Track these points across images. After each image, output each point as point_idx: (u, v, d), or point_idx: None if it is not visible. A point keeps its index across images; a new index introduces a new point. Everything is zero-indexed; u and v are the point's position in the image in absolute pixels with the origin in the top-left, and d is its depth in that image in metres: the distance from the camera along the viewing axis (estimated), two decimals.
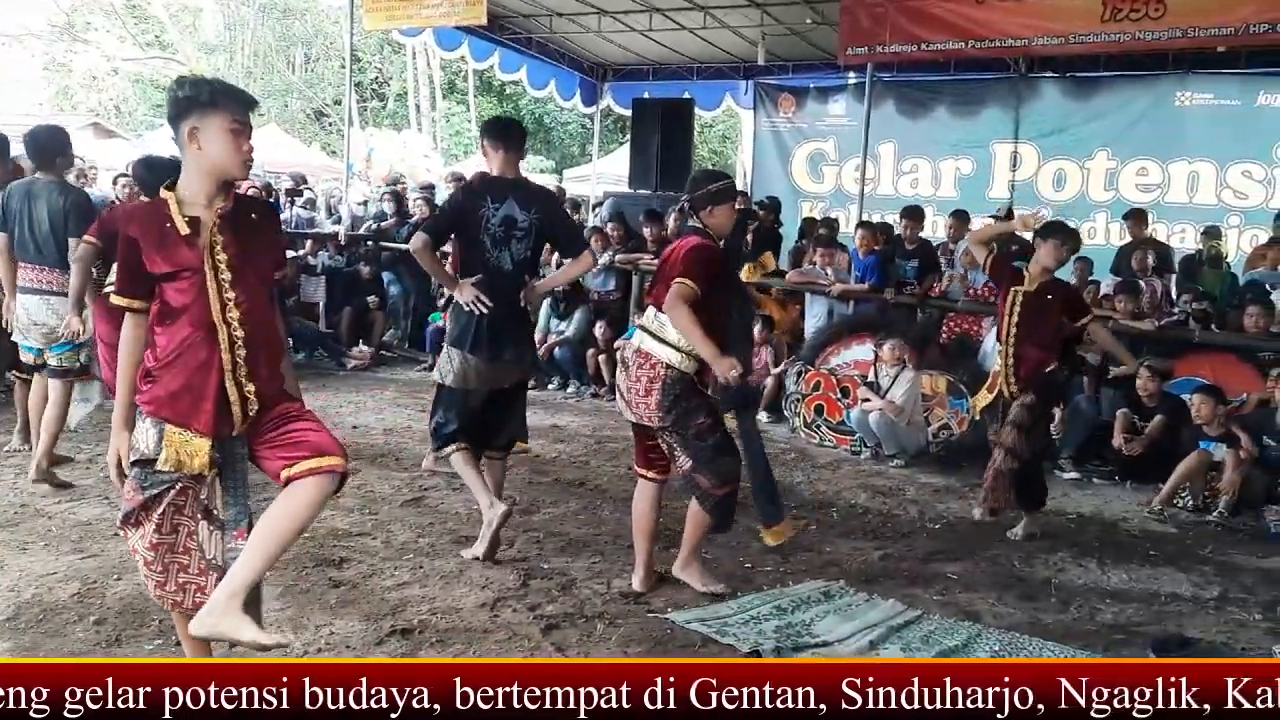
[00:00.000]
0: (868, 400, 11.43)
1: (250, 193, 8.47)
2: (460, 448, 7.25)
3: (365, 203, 20.05)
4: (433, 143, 40.34)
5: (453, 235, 7.22)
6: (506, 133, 7.20)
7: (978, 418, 9.27)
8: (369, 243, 16.69)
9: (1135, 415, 10.80)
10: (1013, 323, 8.40)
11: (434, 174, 28.93)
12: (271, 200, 16.80)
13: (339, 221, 17.84)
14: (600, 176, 27.61)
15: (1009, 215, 13.79)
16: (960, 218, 14.76)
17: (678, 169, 19.22)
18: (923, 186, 20.28)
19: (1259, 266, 13.76)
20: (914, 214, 13.86)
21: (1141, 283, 12.66)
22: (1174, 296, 12.98)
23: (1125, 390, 11.03)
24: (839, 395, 12.13)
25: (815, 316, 13.46)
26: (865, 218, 16.40)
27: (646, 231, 14.54)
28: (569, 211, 9.88)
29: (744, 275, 9.10)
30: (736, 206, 6.63)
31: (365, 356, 15.33)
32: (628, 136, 26.26)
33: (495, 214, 7.05)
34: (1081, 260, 13.54)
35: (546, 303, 13.70)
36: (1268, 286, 12.59)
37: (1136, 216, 14.88)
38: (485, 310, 7.03)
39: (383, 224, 17.00)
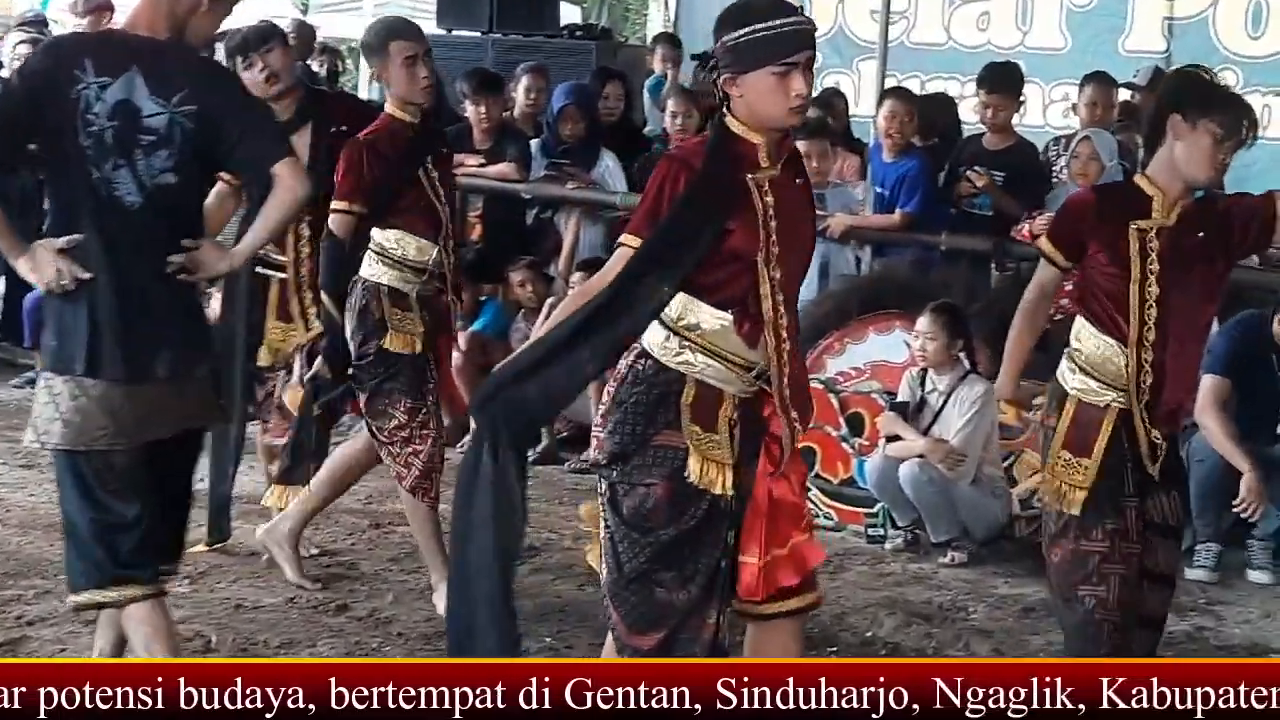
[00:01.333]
0: (898, 439, 7.00)
1: None
2: (134, 595, 4.07)
3: None
4: None
5: (30, 144, 4.15)
6: None
7: (1041, 505, 4.72)
8: None
9: None
10: (1146, 299, 4.35)
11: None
12: None
13: None
14: (383, 6, 17.41)
15: (1151, 84, 9.14)
16: (1101, 85, 8.62)
17: None
18: (1000, 29, 11.64)
19: None
20: (1001, 81, 8.16)
21: None
22: None
23: None
24: (842, 431, 7.49)
25: None
26: (893, 83, 9.49)
27: (473, 112, 9.04)
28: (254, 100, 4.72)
29: None
30: (794, 75, 3.70)
31: None
32: None
33: (99, 99, 3.96)
34: None
35: None
36: None
37: None
38: (78, 285, 3.98)
39: None
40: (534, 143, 9.22)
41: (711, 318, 3.79)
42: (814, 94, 9.76)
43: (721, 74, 3.75)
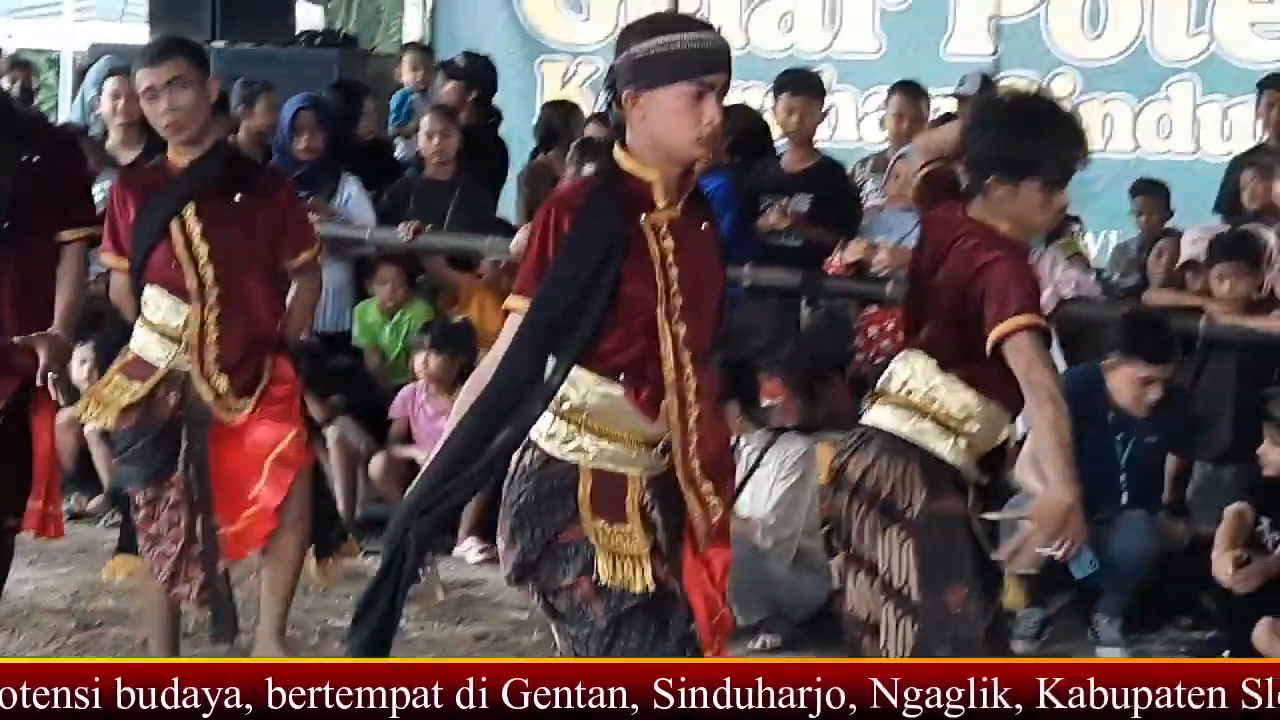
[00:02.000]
0: None
1: None
2: None
3: None
4: None
5: None
6: None
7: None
8: None
9: (1263, 515, 6.22)
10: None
11: None
12: None
13: None
14: (86, 11, 15.27)
15: (983, 90, 8.35)
16: (909, 95, 8.10)
17: None
18: (805, 31, 10.77)
19: None
20: (800, 85, 7.68)
21: (1270, 237, 7.22)
22: None
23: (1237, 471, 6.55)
24: None
25: None
26: None
27: None
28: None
29: None
30: (708, 98, 3.36)
31: None
32: None
33: None
34: (1148, 192, 8.47)
35: None
36: None
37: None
38: None
39: None
40: None
41: (596, 393, 3.45)
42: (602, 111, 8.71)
43: (623, 89, 3.40)
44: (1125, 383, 6.14)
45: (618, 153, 3.46)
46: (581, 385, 3.42)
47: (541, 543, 3.49)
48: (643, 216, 3.41)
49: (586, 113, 8.97)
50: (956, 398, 3.89)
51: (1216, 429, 6.30)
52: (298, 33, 10.63)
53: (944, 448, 3.88)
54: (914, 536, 3.87)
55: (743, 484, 6.08)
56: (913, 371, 3.93)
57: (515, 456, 3.48)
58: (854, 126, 10.24)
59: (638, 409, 3.45)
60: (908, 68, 9.04)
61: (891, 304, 6.74)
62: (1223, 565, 5.88)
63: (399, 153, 9.38)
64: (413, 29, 11.77)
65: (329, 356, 7.90)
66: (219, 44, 9.89)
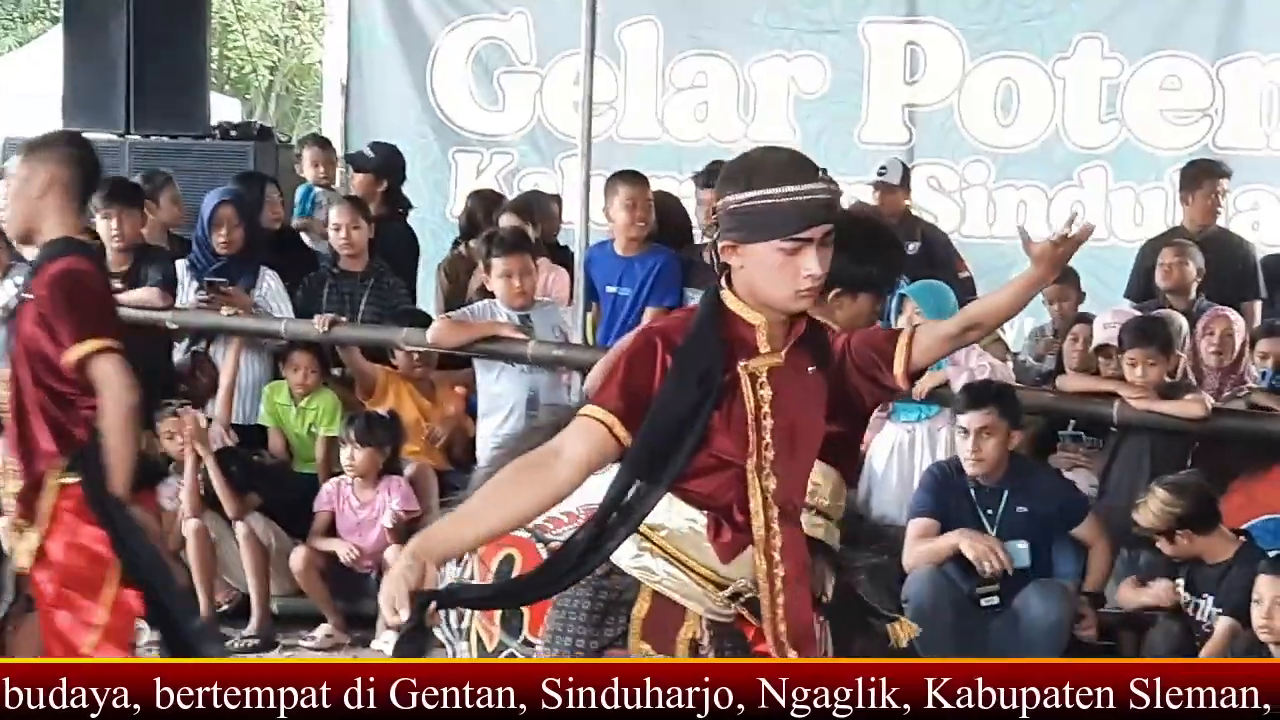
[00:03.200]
0: None
1: None
2: None
3: None
4: None
5: None
6: None
7: None
8: None
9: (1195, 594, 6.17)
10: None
11: None
12: None
13: None
14: None
15: (903, 181, 9.07)
16: None
17: (181, 82, 10.18)
18: (719, 120, 10.76)
19: None
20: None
21: (1181, 321, 7.33)
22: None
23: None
24: None
25: (499, 408, 7.27)
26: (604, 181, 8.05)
27: (104, 228, 7.71)
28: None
29: None
30: (807, 251, 3.24)
31: None
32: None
33: None
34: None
35: None
36: None
37: (1198, 175, 8.59)
38: None
39: None
40: (180, 263, 8.14)
41: (681, 516, 3.33)
42: (513, 196, 9.15)
43: (721, 239, 3.29)
44: (959, 441, 6.34)
45: (724, 292, 3.30)
46: (666, 505, 3.30)
47: (581, 653, 3.42)
48: (741, 363, 3.28)
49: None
50: (831, 489, 4.01)
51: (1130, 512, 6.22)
52: (213, 125, 10.50)
53: (830, 537, 4.00)
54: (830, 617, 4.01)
55: None
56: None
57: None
58: None
59: (715, 547, 3.32)
60: (822, 155, 8.38)
61: None
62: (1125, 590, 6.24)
63: (310, 243, 9.28)
64: (332, 120, 11.59)
65: (248, 450, 7.81)
66: (135, 136, 9.88)
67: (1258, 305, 8.24)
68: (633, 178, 7.72)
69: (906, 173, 8.91)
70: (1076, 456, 7.08)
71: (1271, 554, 5.89)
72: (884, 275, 4.29)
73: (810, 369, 3.36)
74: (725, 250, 3.25)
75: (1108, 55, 10.13)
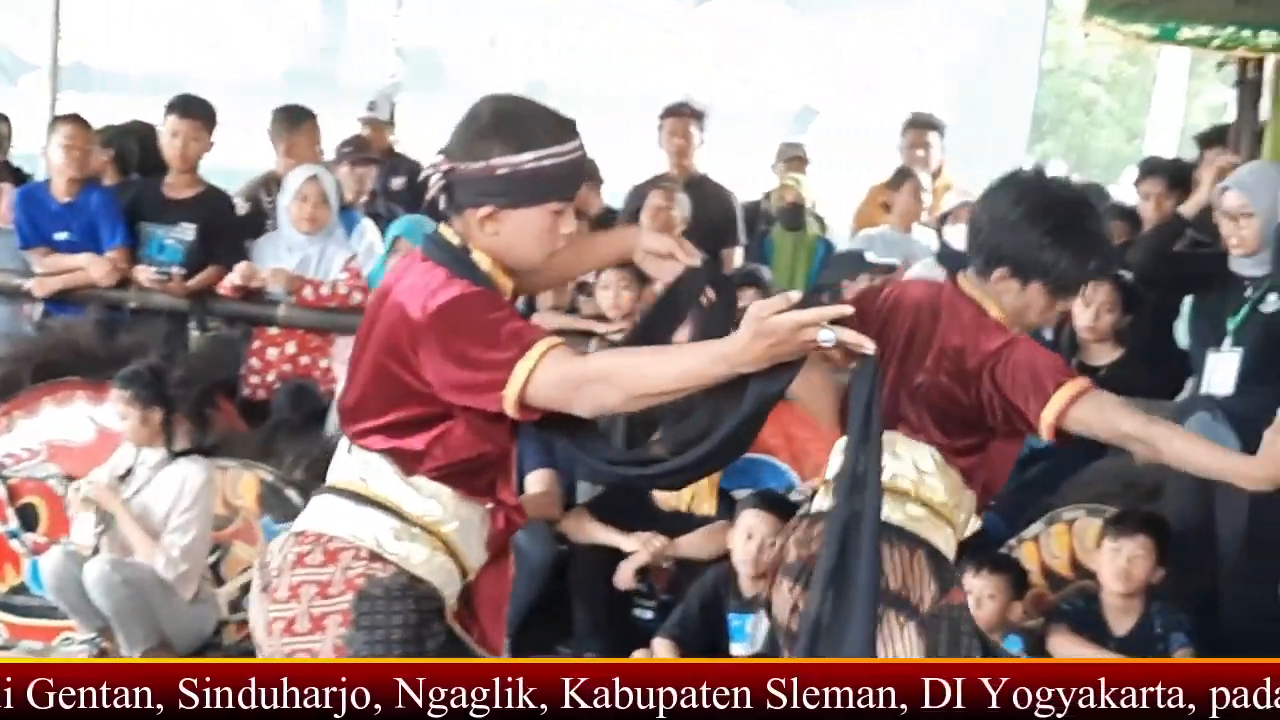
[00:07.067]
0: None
1: None
2: None
3: None
4: None
5: None
6: None
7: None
8: None
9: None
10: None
11: None
12: None
13: None
14: None
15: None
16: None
17: None
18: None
19: (879, 223, 9.10)
20: (192, 106, 7.70)
21: None
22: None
23: None
24: (11, 525, 6.82)
25: None
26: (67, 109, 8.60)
27: None
28: None
29: None
30: (568, 211, 3.30)
31: None
32: None
33: None
34: None
35: None
36: (871, 256, 8.12)
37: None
38: None
39: None
40: None
41: (469, 509, 3.54)
42: None
43: (477, 205, 3.17)
44: None
45: (477, 255, 3.19)
46: (455, 501, 3.42)
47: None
48: None
49: None
50: (946, 484, 3.92)
51: None
52: None
53: (940, 539, 3.88)
54: (925, 633, 3.84)
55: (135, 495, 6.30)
56: (898, 457, 3.87)
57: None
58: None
59: (492, 534, 3.62)
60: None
61: (287, 326, 7.28)
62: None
63: None
64: None
65: None
66: None
67: (738, 251, 8.69)
68: (71, 120, 7.66)
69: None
70: None
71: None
72: (1071, 269, 3.85)
73: None
74: (484, 217, 3.15)
75: None
